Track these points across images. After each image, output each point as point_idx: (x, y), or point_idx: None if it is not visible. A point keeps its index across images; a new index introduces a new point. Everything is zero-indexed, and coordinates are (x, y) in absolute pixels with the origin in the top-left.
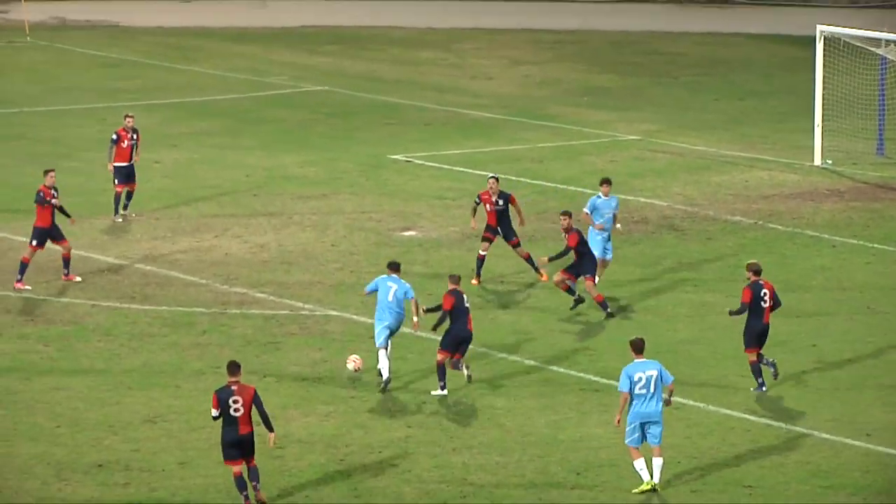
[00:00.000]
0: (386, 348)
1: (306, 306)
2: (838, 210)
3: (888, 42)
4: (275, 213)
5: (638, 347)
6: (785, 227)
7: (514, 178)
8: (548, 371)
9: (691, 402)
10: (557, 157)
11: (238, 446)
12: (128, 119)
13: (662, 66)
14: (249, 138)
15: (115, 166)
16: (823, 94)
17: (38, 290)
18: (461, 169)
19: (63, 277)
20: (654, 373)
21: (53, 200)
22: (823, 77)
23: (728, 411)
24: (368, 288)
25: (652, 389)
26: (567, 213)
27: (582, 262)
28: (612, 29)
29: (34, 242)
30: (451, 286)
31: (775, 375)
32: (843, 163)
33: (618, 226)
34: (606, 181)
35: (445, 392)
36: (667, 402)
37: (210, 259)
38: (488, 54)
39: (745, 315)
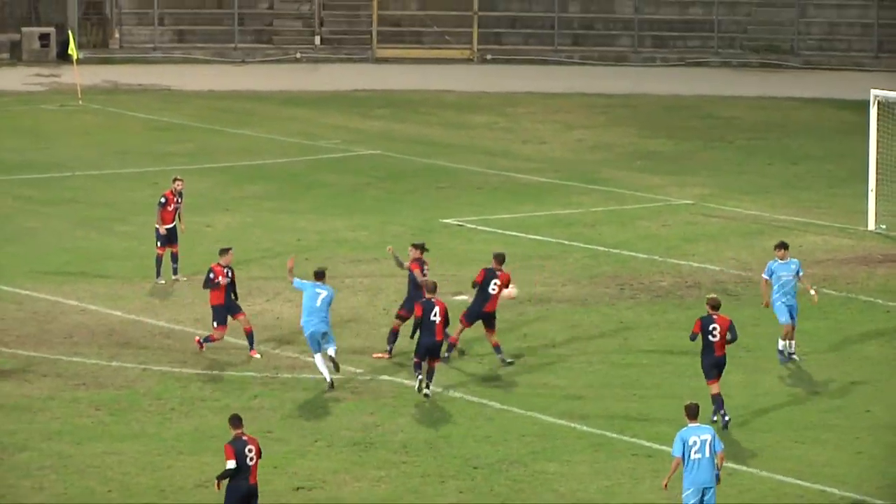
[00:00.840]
0: (325, 352)
1: (358, 371)
2: (892, 275)
3: None
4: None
5: (692, 412)
6: (839, 293)
7: (566, 242)
8: (600, 436)
9: (744, 468)
10: (610, 222)
11: (249, 497)
12: (177, 182)
13: (715, 130)
14: (301, 202)
15: (158, 228)
16: (877, 159)
17: (89, 354)
18: (513, 233)
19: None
20: (709, 437)
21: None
22: (877, 141)
23: (781, 477)
24: (296, 283)
25: (707, 454)
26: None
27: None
28: (665, 93)
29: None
30: (425, 295)
31: (725, 426)
32: (894, 228)
33: (812, 292)
34: (782, 245)
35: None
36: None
37: (262, 323)
38: (541, 118)
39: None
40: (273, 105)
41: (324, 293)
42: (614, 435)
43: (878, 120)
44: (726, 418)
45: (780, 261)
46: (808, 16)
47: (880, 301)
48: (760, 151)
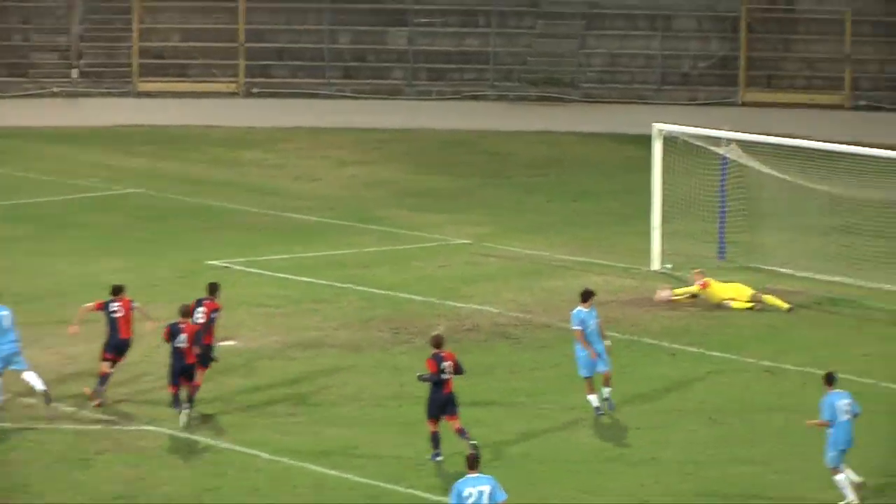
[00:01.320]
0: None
1: (120, 420)
2: (677, 317)
3: (728, 141)
4: (87, 322)
5: (472, 463)
6: (622, 335)
7: (339, 284)
8: (375, 487)
9: None
10: (385, 263)
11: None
12: None
13: (493, 167)
14: (59, 243)
15: None
16: (662, 196)
17: None
18: (284, 275)
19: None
20: (487, 488)
21: None
22: (662, 177)
23: None
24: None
25: None
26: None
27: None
28: (441, 127)
29: None
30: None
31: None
32: (682, 267)
33: (607, 342)
34: (590, 293)
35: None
36: None
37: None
38: (312, 154)
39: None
40: (29, 142)
41: (5, 313)
42: (389, 486)
43: (662, 155)
44: (472, 441)
45: (585, 309)
46: (589, 47)
47: (665, 343)
48: (540, 188)
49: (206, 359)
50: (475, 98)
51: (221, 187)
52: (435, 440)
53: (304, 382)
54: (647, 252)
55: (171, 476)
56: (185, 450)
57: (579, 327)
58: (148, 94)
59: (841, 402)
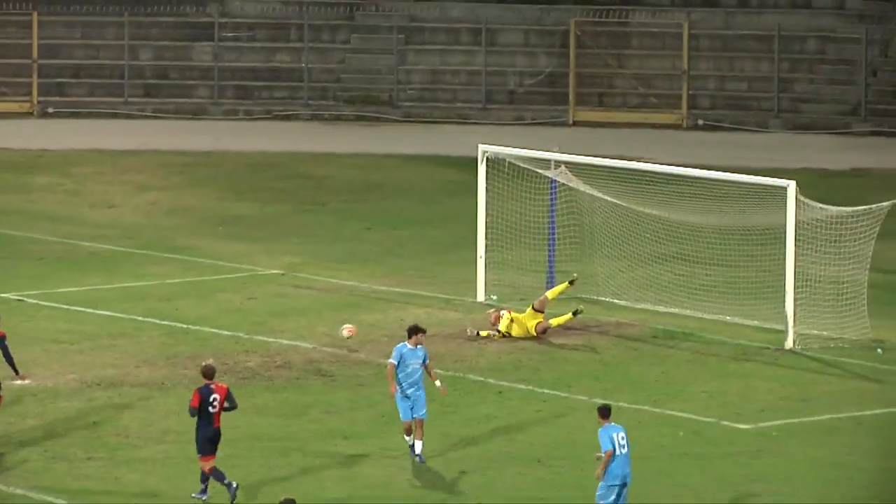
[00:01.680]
0: None
1: None
2: (505, 351)
3: (558, 163)
4: None
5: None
6: (445, 371)
7: (139, 318)
8: None
9: None
10: (188, 295)
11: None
12: None
13: (307, 192)
14: None
15: None
16: (487, 222)
17: None
18: (80, 308)
19: None
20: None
21: None
22: (487, 202)
23: None
24: None
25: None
26: None
27: None
28: (249, 150)
29: None
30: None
31: (232, 499)
32: (509, 298)
33: (437, 383)
34: (417, 329)
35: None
36: None
37: None
38: (110, 179)
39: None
40: None
41: None
42: None
43: (486, 178)
44: (234, 486)
45: (410, 346)
46: (408, 63)
47: (491, 380)
48: (358, 215)
49: None
50: (287, 118)
51: (11, 215)
52: (206, 478)
53: (104, 424)
54: (471, 283)
55: None
56: None
57: (392, 361)
58: None
59: (617, 434)
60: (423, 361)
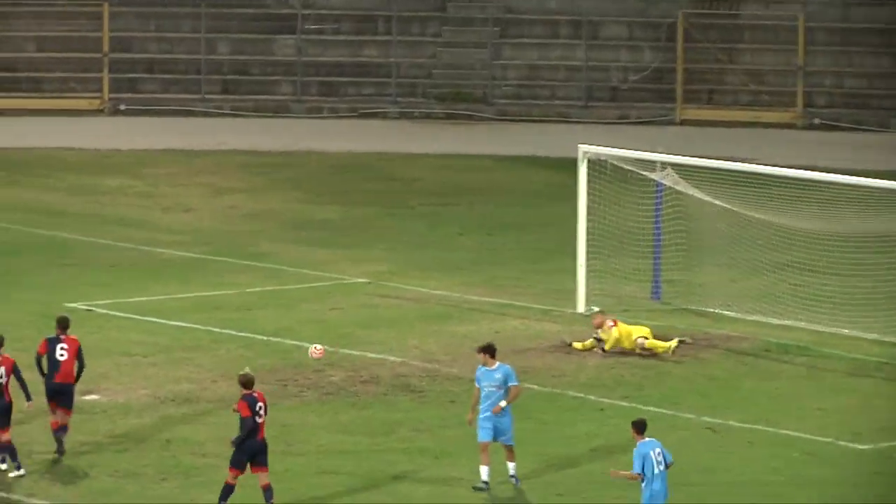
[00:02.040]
0: None
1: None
2: (606, 367)
3: (664, 165)
4: None
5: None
6: (543, 387)
7: (216, 329)
8: None
9: None
10: (269, 304)
11: None
12: None
13: (394, 195)
14: None
15: None
16: (588, 228)
17: None
18: (153, 319)
19: None
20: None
21: None
22: (588, 207)
23: None
24: None
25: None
26: None
27: None
28: (334, 150)
29: None
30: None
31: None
32: (611, 310)
33: (501, 403)
34: (484, 348)
35: None
36: None
37: None
38: (185, 181)
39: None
40: None
41: None
42: None
43: (587, 181)
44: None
45: (484, 367)
46: (504, 58)
47: (592, 397)
48: (449, 220)
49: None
50: (373, 116)
51: (80, 219)
52: (228, 493)
53: (178, 442)
54: (571, 293)
55: None
56: None
57: (475, 384)
58: None
59: (654, 452)
60: (504, 383)
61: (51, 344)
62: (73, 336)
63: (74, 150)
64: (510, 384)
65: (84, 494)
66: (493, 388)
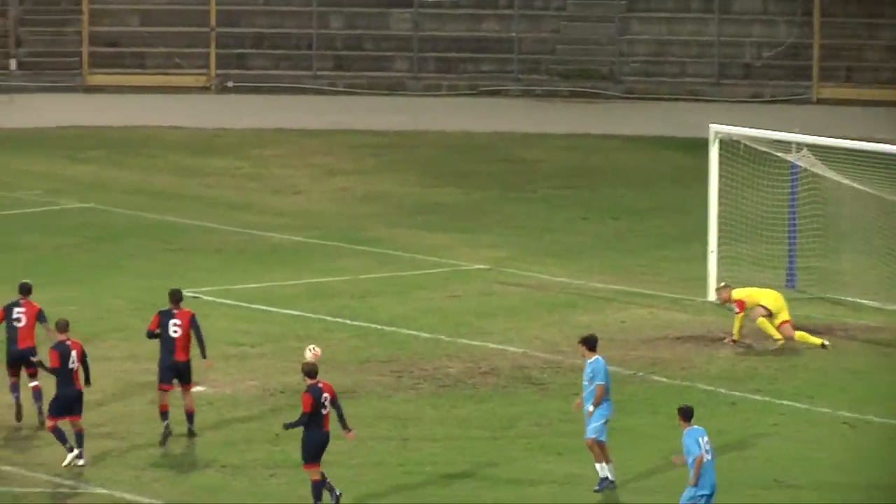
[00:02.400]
0: None
1: (66, 482)
2: (738, 358)
3: (800, 146)
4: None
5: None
6: (672, 380)
7: (328, 317)
8: None
9: None
10: (383, 292)
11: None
12: None
13: (515, 177)
14: None
15: None
16: (719, 212)
17: None
18: (261, 307)
19: None
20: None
21: None
22: (720, 190)
23: None
24: None
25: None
26: None
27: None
28: (452, 129)
29: None
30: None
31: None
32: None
33: (590, 408)
34: (583, 340)
35: None
36: None
37: None
38: (296, 162)
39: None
40: None
41: None
42: None
43: (719, 163)
44: (337, 493)
45: (586, 359)
46: (632, 32)
47: (723, 390)
48: (572, 203)
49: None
50: (494, 94)
51: (185, 202)
52: (319, 489)
53: (288, 436)
54: (701, 280)
55: None
56: None
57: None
58: (99, 89)
59: (702, 439)
60: (592, 379)
61: (164, 319)
62: (186, 309)
63: (180, 130)
64: (596, 382)
65: (189, 491)
66: (586, 383)
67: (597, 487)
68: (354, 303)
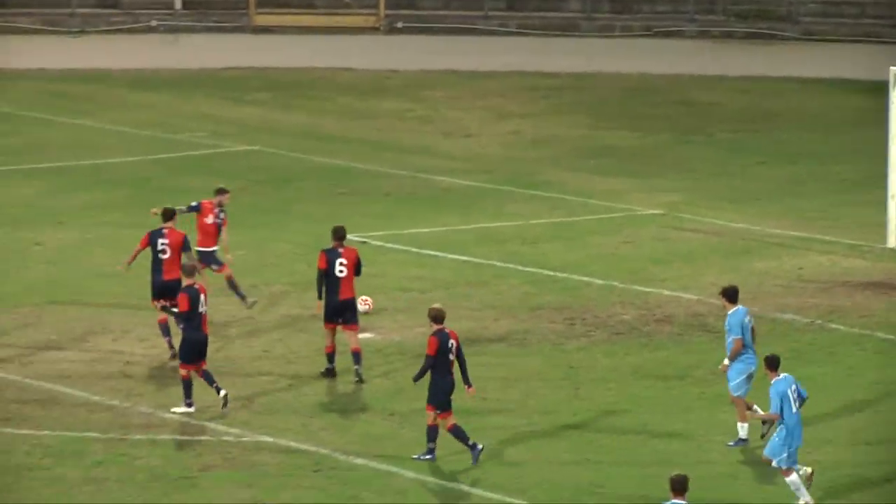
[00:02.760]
0: None
1: (231, 430)
2: None
3: None
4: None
5: (679, 487)
6: (850, 328)
7: (499, 263)
8: None
9: None
10: (555, 237)
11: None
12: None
13: (691, 120)
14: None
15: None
16: None
17: None
18: (431, 252)
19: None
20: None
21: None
22: None
23: None
24: None
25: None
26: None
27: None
28: (626, 71)
29: None
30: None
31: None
32: None
33: (725, 362)
34: (723, 291)
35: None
36: None
37: (106, 370)
38: (467, 104)
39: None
40: (120, 88)
41: None
42: None
43: None
44: (479, 448)
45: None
46: None
47: None
48: (749, 147)
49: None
50: (669, 35)
51: (354, 145)
52: (434, 433)
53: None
54: (881, 226)
55: (293, 498)
56: (310, 466)
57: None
58: (266, 30)
59: (790, 389)
60: (728, 333)
61: (330, 257)
62: (351, 247)
63: (349, 72)
64: (732, 336)
65: (356, 439)
66: (728, 337)
67: (730, 443)
68: (525, 248)
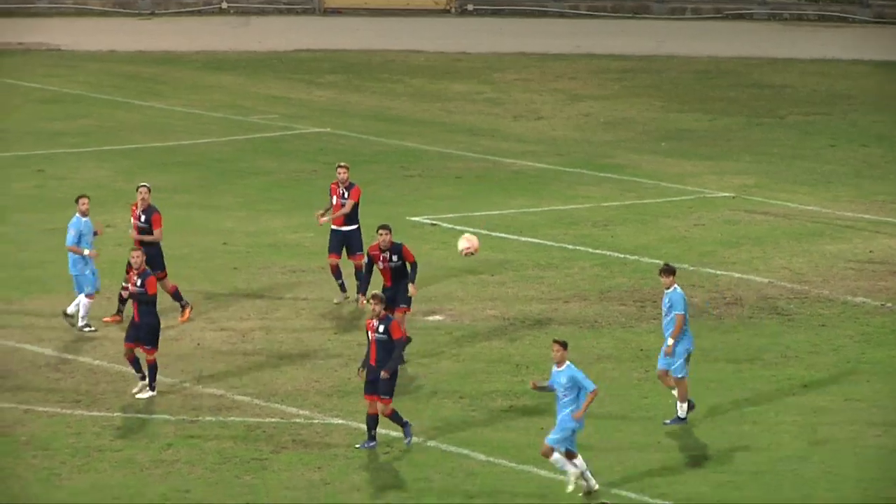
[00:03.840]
0: None
1: (301, 412)
2: None
3: None
4: (261, 293)
5: None
6: None
7: (570, 246)
8: (615, 496)
9: None
10: (626, 220)
11: None
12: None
13: (763, 103)
14: (227, 195)
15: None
16: None
17: None
18: (501, 235)
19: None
20: None
21: None
22: None
23: None
24: None
25: None
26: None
27: None
28: (698, 54)
29: None
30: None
31: None
32: None
33: (669, 341)
34: (662, 270)
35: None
36: None
37: (177, 351)
38: (538, 87)
39: None
40: (192, 70)
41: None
42: (633, 495)
43: None
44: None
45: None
46: None
47: None
48: (820, 130)
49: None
50: (740, 17)
51: (425, 127)
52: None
53: (528, 368)
54: None
55: (363, 481)
56: (380, 448)
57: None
58: (337, 11)
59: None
60: (669, 308)
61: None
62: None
63: (419, 53)
64: (675, 312)
65: (426, 422)
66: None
67: (667, 421)
68: (597, 231)
